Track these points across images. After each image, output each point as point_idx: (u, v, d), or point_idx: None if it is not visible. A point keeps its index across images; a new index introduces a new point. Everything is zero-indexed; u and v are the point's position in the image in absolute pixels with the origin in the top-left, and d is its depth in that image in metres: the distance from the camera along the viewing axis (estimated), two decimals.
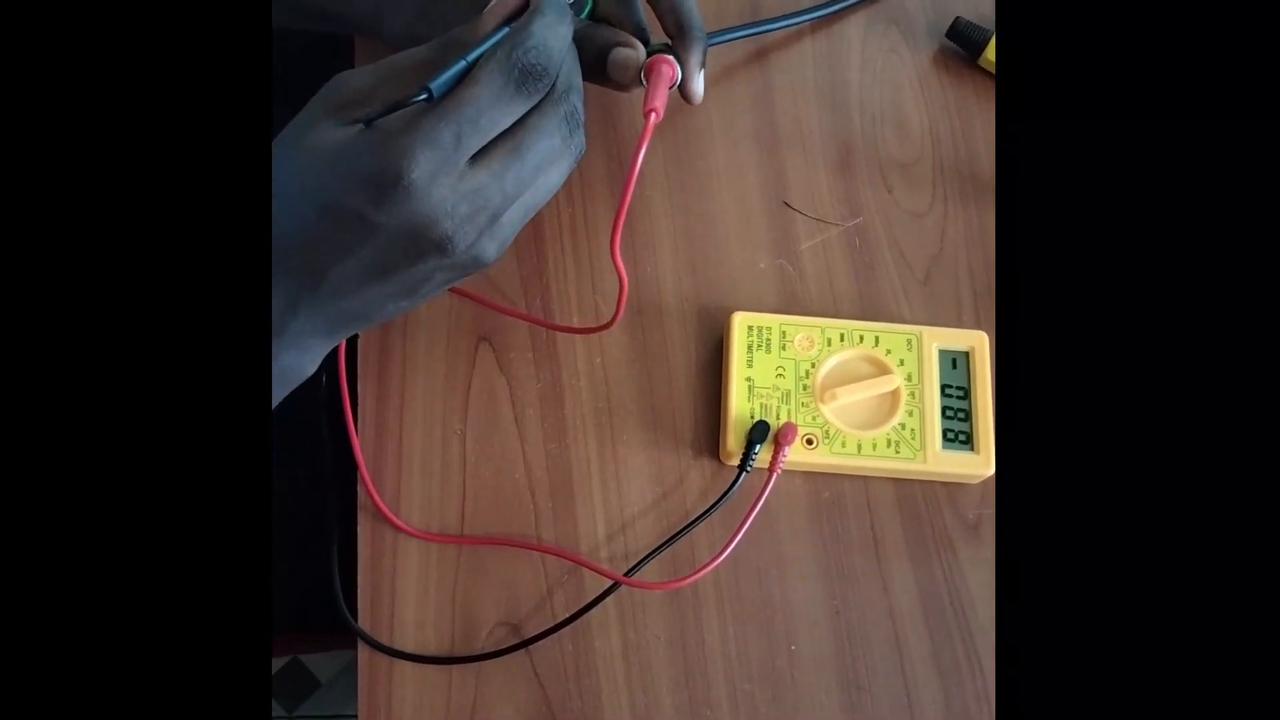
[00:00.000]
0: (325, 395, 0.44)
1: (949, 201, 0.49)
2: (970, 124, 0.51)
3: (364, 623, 0.41)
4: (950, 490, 0.44)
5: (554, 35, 0.33)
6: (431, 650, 0.40)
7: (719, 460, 0.43)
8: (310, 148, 0.33)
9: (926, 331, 0.44)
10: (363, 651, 0.40)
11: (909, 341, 0.44)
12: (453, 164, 0.32)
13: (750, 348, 0.44)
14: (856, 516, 0.43)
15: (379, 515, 0.42)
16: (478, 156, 0.33)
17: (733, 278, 0.47)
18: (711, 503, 0.42)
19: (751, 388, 0.43)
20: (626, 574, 0.41)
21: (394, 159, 0.31)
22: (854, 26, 0.53)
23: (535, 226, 0.47)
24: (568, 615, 0.40)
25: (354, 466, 0.43)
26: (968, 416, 0.43)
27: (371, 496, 0.42)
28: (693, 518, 0.42)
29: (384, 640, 0.40)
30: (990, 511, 0.43)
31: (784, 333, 0.44)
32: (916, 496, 0.43)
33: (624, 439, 0.44)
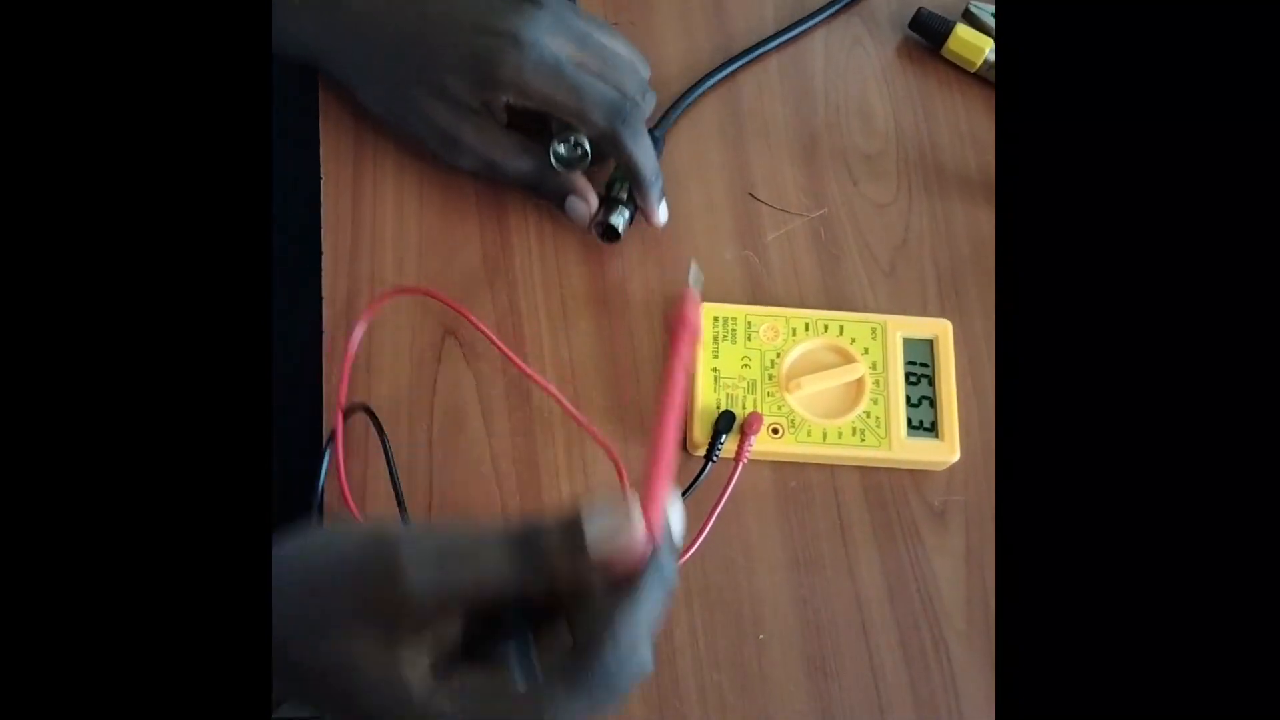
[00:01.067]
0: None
1: (913, 192, 0.49)
2: (934, 114, 0.51)
3: None
4: (916, 478, 0.44)
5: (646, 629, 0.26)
6: None
7: (686, 451, 0.44)
8: (344, 666, 0.25)
9: (891, 320, 0.44)
10: None
11: (873, 330, 0.44)
12: None
13: (716, 338, 0.44)
14: (823, 505, 0.43)
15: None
16: None
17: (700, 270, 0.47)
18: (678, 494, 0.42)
19: (717, 378, 0.43)
20: None
21: None
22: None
23: (500, 219, 0.47)
24: None
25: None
26: (932, 404, 0.43)
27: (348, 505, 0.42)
28: None
29: None
30: (956, 499, 0.44)
31: (749, 323, 0.44)
32: (883, 485, 0.44)
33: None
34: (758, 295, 0.47)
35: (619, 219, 0.45)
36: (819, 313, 0.44)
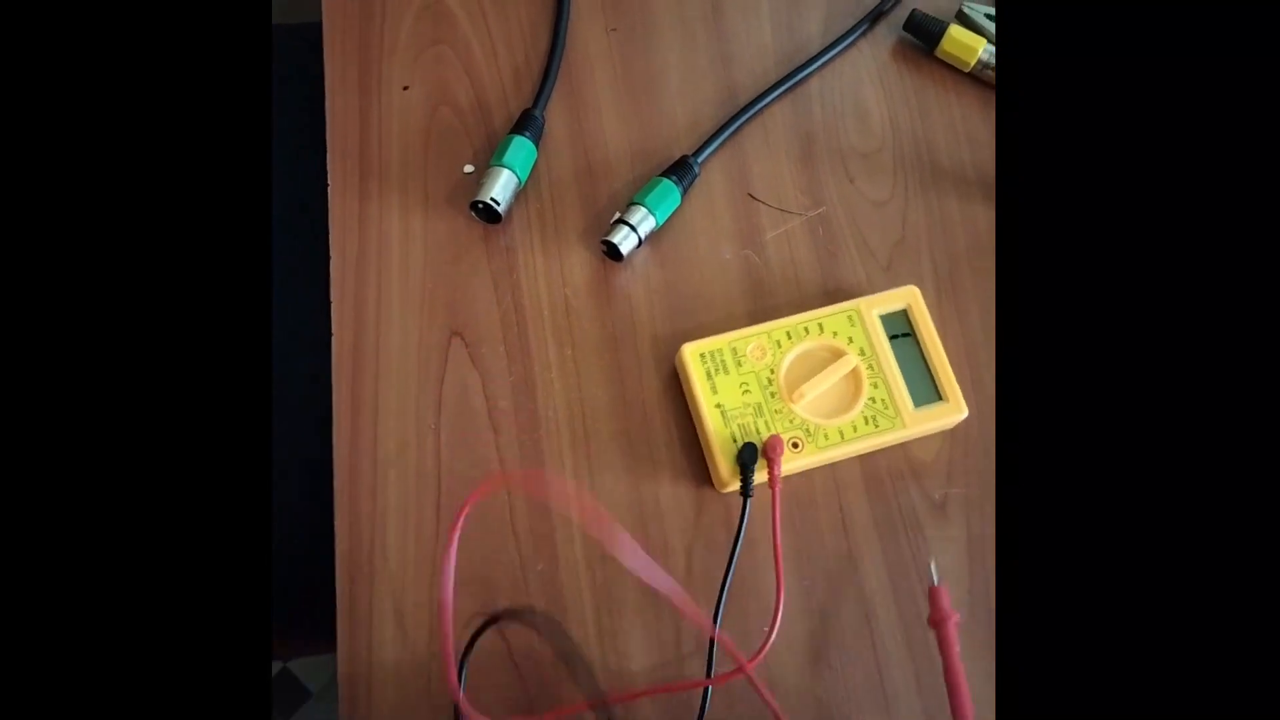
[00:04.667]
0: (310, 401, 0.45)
1: (909, 189, 0.50)
2: (929, 114, 0.52)
3: (342, 619, 0.41)
4: (916, 471, 0.44)
5: None
6: (411, 647, 0.41)
7: (714, 489, 0.44)
8: None
9: (863, 302, 0.45)
10: (342, 665, 0.41)
11: (850, 317, 0.45)
12: None
13: (709, 374, 0.43)
14: (825, 498, 0.44)
15: (357, 530, 0.43)
16: None
17: (699, 268, 0.48)
18: (721, 531, 0.42)
19: (724, 412, 0.43)
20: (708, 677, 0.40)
21: None
22: (813, 22, 0.54)
23: (505, 226, 0.48)
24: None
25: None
26: (927, 369, 0.44)
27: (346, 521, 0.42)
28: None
29: (362, 642, 0.41)
30: (956, 491, 0.44)
31: (735, 349, 0.44)
32: (883, 477, 0.44)
33: (596, 430, 0.44)
34: (758, 294, 0.47)
35: (626, 243, 0.46)
36: (796, 318, 0.45)
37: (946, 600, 0.40)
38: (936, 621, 0.40)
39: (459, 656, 0.40)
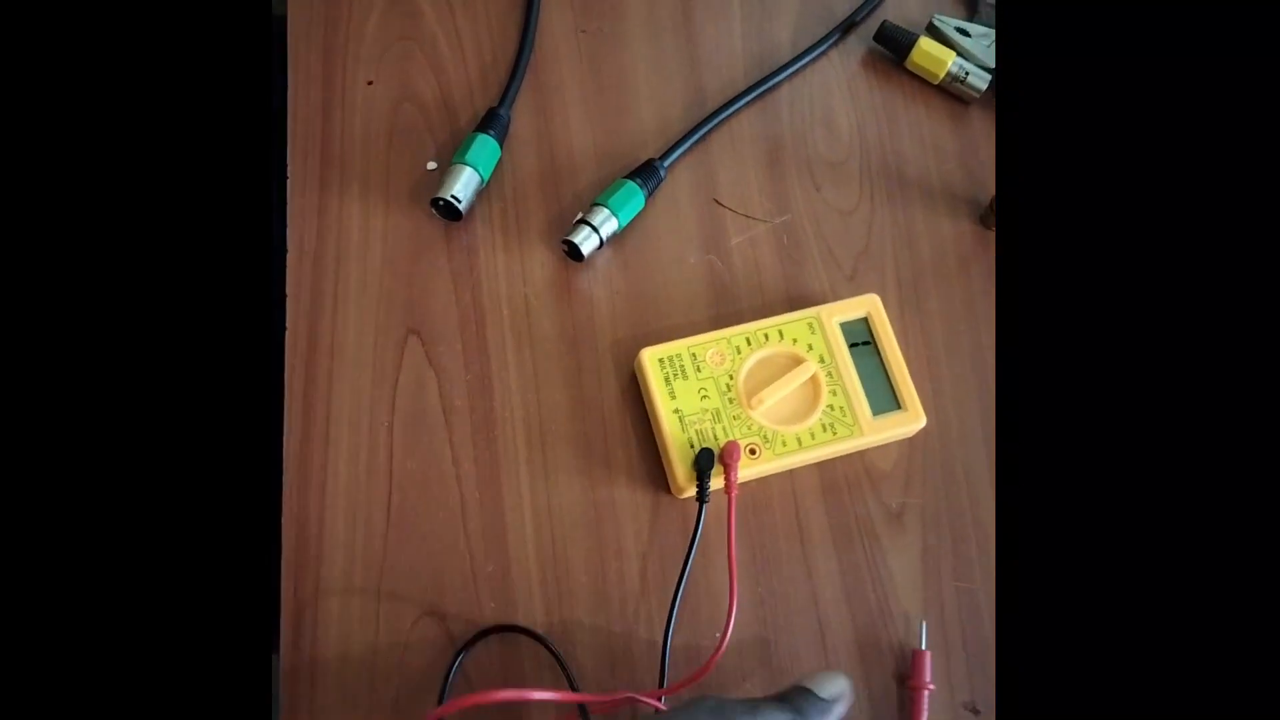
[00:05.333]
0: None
1: (875, 199, 0.50)
2: (897, 125, 0.52)
3: (286, 617, 0.40)
4: (874, 480, 0.44)
5: None
6: (356, 649, 0.40)
7: (671, 495, 0.43)
8: None
9: (823, 310, 0.45)
10: (285, 663, 0.40)
11: (810, 325, 0.44)
12: None
13: (667, 379, 0.43)
14: (782, 505, 0.43)
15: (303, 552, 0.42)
16: None
17: (662, 272, 0.47)
18: (670, 538, 0.42)
19: (682, 418, 0.42)
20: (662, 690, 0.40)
21: None
22: (784, 30, 0.54)
23: (467, 224, 0.48)
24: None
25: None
26: (886, 378, 0.44)
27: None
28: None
29: (306, 636, 0.40)
30: (914, 500, 0.44)
31: (694, 354, 0.43)
32: (840, 485, 0.44)
33: (553, 431, 0.44)
34: (720, 299, 0.47)
35: (587, 244, 0.46)
36: (755, 324, 0.44)
37: (928, 669, 0.41)
38: (913, 687, 0.41)
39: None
